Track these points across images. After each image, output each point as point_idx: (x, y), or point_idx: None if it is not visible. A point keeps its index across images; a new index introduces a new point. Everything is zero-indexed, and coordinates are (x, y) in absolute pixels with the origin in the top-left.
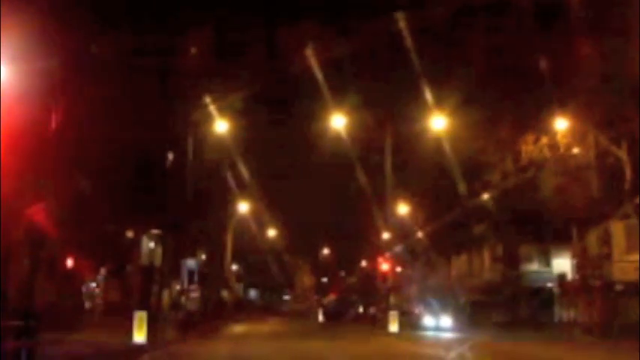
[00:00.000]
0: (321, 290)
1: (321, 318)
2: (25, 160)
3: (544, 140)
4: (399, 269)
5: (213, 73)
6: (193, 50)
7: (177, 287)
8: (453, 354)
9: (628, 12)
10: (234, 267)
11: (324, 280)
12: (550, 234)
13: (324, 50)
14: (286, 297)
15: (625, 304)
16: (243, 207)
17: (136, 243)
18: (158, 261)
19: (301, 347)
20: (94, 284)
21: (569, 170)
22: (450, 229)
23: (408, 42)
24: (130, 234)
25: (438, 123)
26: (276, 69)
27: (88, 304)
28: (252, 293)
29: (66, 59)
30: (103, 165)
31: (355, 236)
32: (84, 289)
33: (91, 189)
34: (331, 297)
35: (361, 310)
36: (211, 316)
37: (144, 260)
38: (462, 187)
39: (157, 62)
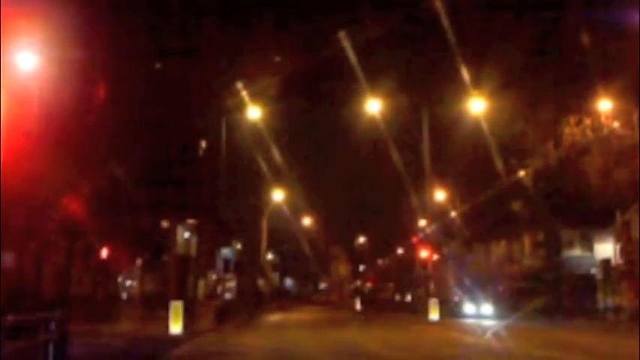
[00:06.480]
0: (358, 278)
1: (358, 306)
2: (60, 148)
3: (587, 122)
4: (435, 256)
5: (247, 58)
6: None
7: (214, 277)
8: (488, 334)
9: None
10: (270, 256)
11: (361, 268)
12: (593, 218)
13: (360, 32)
14: (322, 286)
15: None
16: (279, 195)
17: (171, 232)
18: (194, 250)
19: (341, 337)
20: (130, 275)
21: (613, 152)
22: (487, 206)
23: (447, 23)
24: (165, 224)
25: (477, 105)
26: (311, 52)
27: (124, 295)
28: (288, 282)
29: (101, 47)
30: (137, 153)
31: (391, 221)
32: (120, 279)
33: (125, 178)
34: (368, 285)
35: (399, 297)
36: (248, 305)
37: (179, 250)
38: (499, 165)
39: (189, 48)
